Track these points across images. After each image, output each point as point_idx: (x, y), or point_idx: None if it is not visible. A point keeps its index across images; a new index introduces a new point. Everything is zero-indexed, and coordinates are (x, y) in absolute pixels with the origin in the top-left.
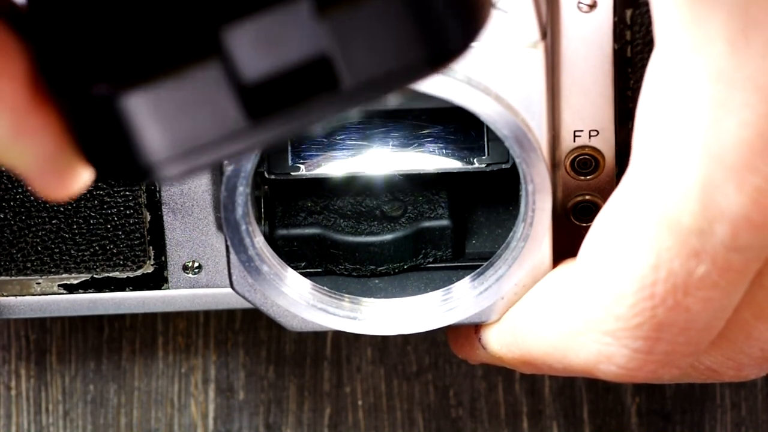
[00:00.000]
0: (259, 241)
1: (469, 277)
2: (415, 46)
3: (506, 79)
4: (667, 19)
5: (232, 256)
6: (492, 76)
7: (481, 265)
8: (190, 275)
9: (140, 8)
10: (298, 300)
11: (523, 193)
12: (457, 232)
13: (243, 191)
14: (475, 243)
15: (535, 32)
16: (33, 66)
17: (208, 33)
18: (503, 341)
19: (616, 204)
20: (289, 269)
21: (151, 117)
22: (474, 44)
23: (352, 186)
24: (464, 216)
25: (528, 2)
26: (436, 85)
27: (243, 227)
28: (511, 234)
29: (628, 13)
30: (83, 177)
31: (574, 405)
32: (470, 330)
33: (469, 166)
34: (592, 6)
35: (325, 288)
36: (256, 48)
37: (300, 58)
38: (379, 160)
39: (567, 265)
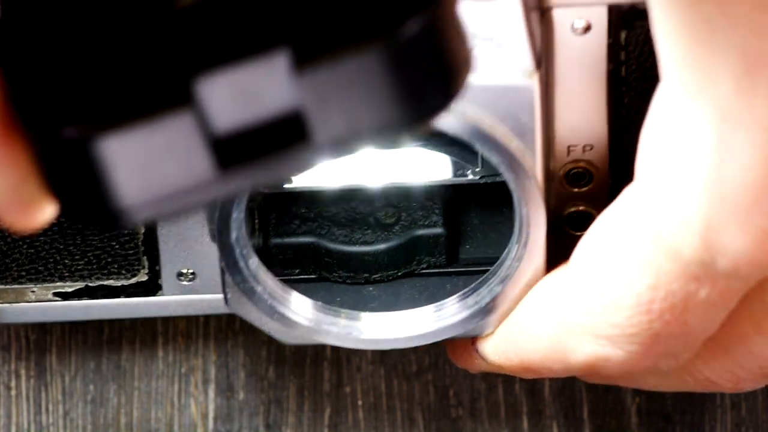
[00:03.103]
0: (254, 262)
1: (462, 292)
2: (391, 106)
3: (501, 109)
4: (673, 56)
5: (227, 276)
6: (487, 106)
7: (475, 270)
8: (184, 282)
9: (115, 52)
10: (293, 318)
11: (516, 215)
12: (451, 238)
13: (237, 217)
14: (469, 248)
15: (529, 63)
16: (5, 95)
17: (182, 82)
18: (500, 351)
19: (615, 219)
20: (284, 288)
21: (120, 163)
22: (453, 103)
23: (345, 193)
24: (458, 221)
25: (522, 33)
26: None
27: (237, 251)
28: (505, 252)
29: (623, 34)
30: (47, 212)
31: (574, 405)
32: (467, 341)
33: (463, 179)
34: (587, 29)
35: (320, 304)
36: (230, 99)
37: (273, 111)
38: (372, 171)
39: (559, 271)
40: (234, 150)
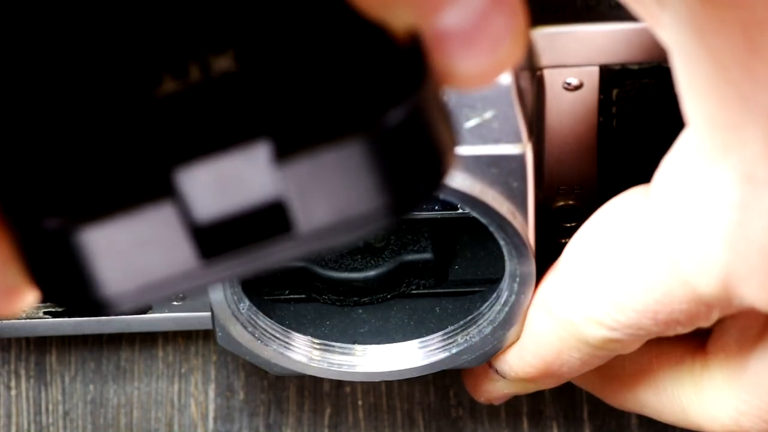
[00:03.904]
0: (244, 306)
1: (452, 329)
2: (376, 195)
3: (492, 176)
4: (700, 114)
5: (217, 317)
6: (477, 173)
7: (464, 291)
8: (174, 302)
9: (95, 143)
10: (285, 354)
11: (507, 268)
12: (440, 262)
13: None
14: (458, 269)
15: (520, 133)
16: None
17: (163, 172)
18: (516, 363)
19: (622, 224)
20: (276, 326)
21: (101, 253)
22: (440, 188)
23: None
24: (447, 243)
25: (513, 103)
26: None
27: (228, 295)
28: (494, 296)
29: (614, 92)
30: (29, 298)
31: (574, 405)
32: (485, 368)
33: (453, 212)
34: (578, 87)
35: (312, 340)
36: (211, 190)
37: (255, 202)
38: None
39: (555, 270)
40: (216, 240)
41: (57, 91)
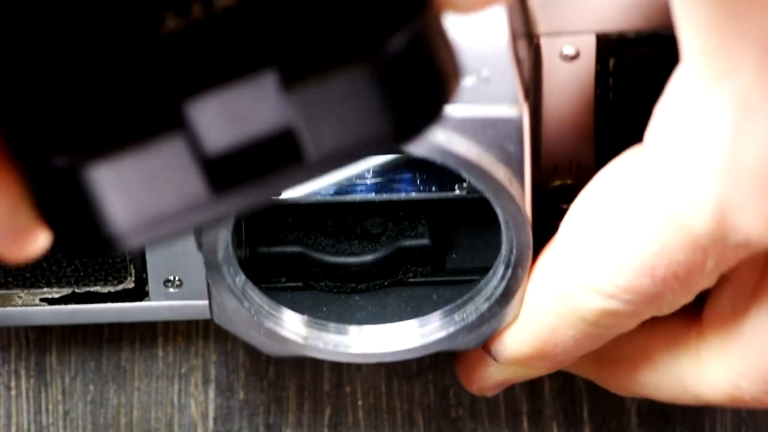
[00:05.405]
0: (240, 279)
1: (448, 308)
2: (381, 119)
3: (488, 139)
4: (694, 43)
5: (214, 291)
6: (474, 136)
7: (462, 280)
8: (171, 290)
9: (102, 80)
10: (280, 332)
11: (503, 239)
12: (438, 249)
13: (224, 236)
14: (455, 258)
15: (517, 96)
16: None
17: (172, 105)
18: (512, 343)
19: (618, 183)
20: (272, 303)
21: (112, 189)
22: (443, 114)
23: (332, 203)
24: (445, 230)
25: (510, 65)
26: (417, 144)
27: (225, 268)
28: (491, 272)
29: (611, 61)
30: (40, 241)
31: (574, 405)
32: (477, 352)
33: (450, 194)
34: (575, 56)
35: (308, 318)
36: (220, 120)
37: (264, 131)
38: (358, 186)
39: (553, 243)
40: (226, 171)
41: (62, 31)
